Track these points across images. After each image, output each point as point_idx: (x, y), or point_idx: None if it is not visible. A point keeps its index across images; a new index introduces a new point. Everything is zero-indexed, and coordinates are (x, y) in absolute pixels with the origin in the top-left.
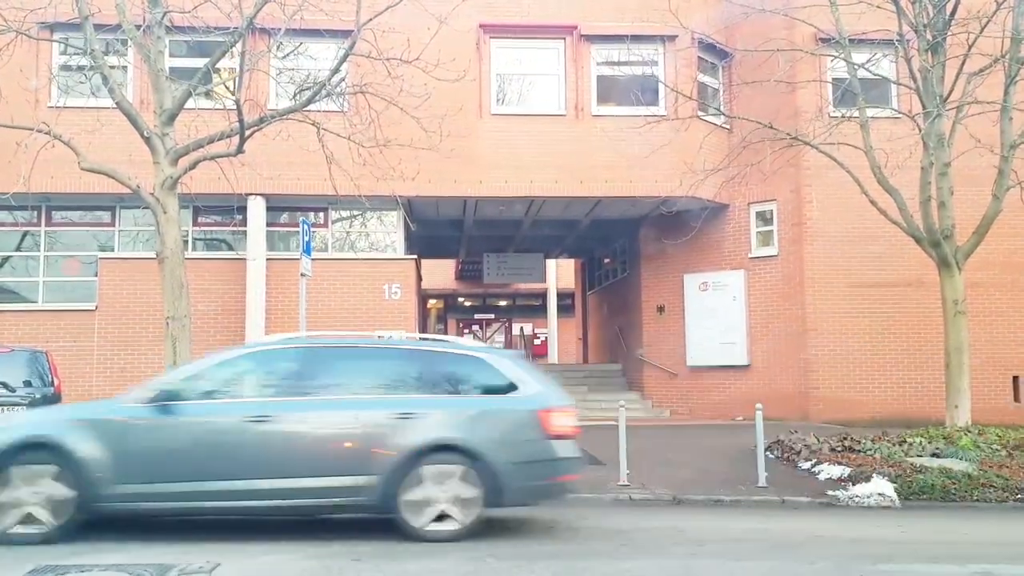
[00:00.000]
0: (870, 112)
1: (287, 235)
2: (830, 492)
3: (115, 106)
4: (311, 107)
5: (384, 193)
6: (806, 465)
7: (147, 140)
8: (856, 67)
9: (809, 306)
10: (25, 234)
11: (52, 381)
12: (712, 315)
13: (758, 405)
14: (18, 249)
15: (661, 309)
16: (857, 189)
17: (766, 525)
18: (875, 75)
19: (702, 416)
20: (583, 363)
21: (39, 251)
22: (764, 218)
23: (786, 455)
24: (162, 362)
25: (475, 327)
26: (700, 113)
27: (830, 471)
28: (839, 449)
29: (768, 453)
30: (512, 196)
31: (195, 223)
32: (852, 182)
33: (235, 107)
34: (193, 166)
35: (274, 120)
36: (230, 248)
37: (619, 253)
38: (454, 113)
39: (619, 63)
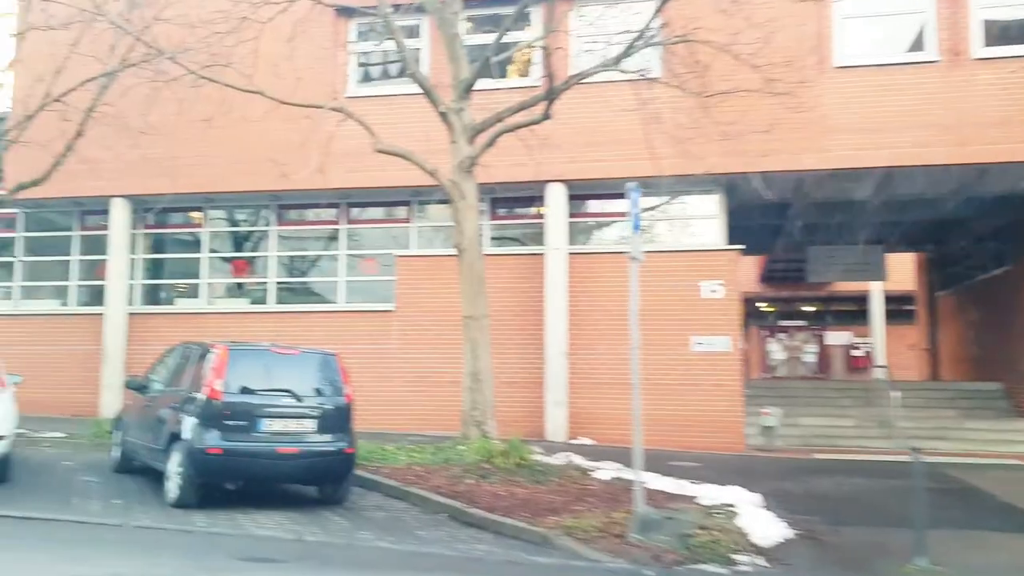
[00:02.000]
0: None
1: (590, 227)
2: None
3: (409, 92)
4: (619, 78)
5: (703, 171)
6: None
7: (443, 116)
8: None
9: None
10: (327, 233)
11: (343, 389)
12: None
13: None
14: (320, 248)
15: None
16: None
17: None
18: None
19: None
20: (937, 380)
21: (339, 250)
22: None
23: None
24: (461, 365)
25: (781, 335)
26: None
27: None
28: None
29: None
30: (864, 167)
31: (492, 216)
32: None
33: (528, 87)
34: (491, 142)
35: (586, 77)
36: (526, 243)
37: (993, 242)
38: (790, 69)
39: None
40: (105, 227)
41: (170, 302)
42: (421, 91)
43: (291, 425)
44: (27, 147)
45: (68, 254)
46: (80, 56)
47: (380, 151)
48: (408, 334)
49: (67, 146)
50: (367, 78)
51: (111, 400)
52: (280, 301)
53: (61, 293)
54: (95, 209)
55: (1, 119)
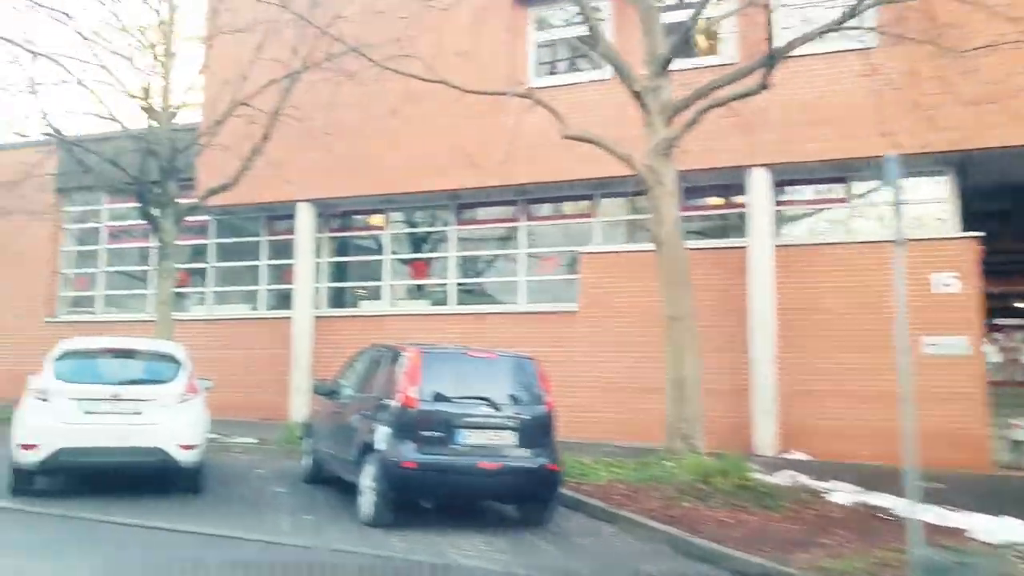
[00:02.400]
0: None
1: (798, 216)
2: None
3: (589, 80)
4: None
5: (946, 147)
6: None
7: (637, 96)
8: None
9: None
10: (505, 232)
11: (543, 397)
12: None
13: None
14: (499, 247)
15: None
16: None
17: None
18: None
19: None
20: None
21: (518, 249)
22: None
23: None
24: (654, 370)
25: (996, 335)
26: None
27: None
28: None
29: None
30: None
31: (683, 207)
32: None
33: (721, 65)
34: (694, 121)
35: (810, 39)
36: (714, 236)
37: None
38: None
39: None
40: (291, 232)
41: (353, 305)
42: (602, 79)
43: (490, 437)
44: (217, 153)
45: (257, 259)
46: (264, 60)
47: (568, 137)
48: (593, 336)
49: (253, 149)
50: (546, 68)
51: (299, 404)
52: (460, 302)
53: (251, 298)
54: (281, 214)
55: (192, 128)
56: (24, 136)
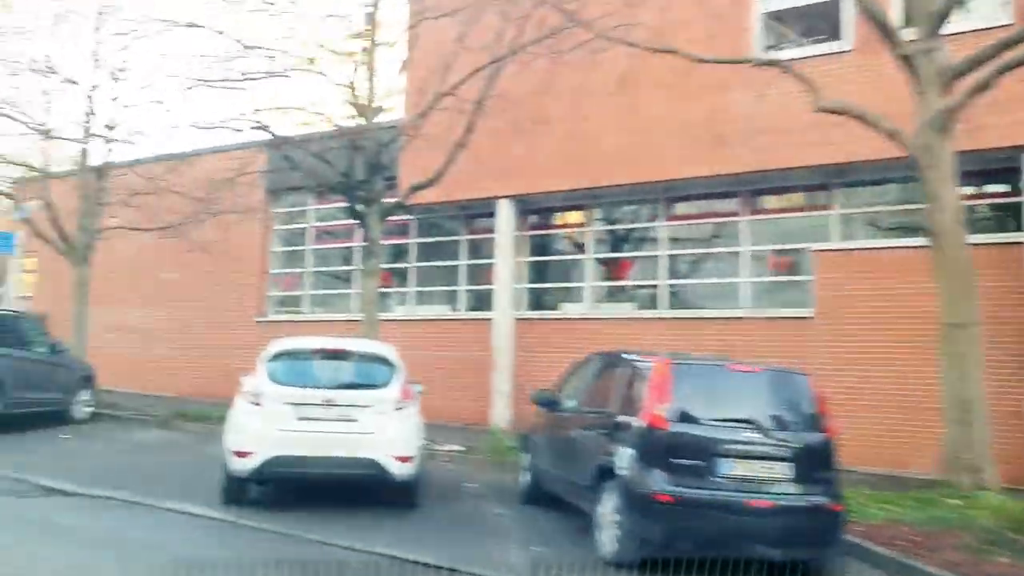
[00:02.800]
0: None
1: None
2: None
3: (827, 53)
4: None
5: None
6: None
7: (905, 61)
8: None
9: None
10: (723, 227)
11: (821, 421)
12: None
13: None
14: (716, 244)
15: None
16: None
17: None
18: None
19: None
20: None
21: (740, 246)
22: None
23: None
24: (910, 386)
25: None
26: None
27: None
28: None
29: None
30: None
31: None
32: None
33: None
34: (985, 86)
35: None
36: (993, 229)
37: None
38: None
39: None
40: (490, 230)
41: (553, 306)
42: (841, 51)
43: (759, 469)
44: (419, 151)
45: (456, 259)
46: (467, 50)
47: (823, 109)
48: (833, 346)
49: (457, 143)
50: (775, 42)
51: (502, 410)
52: (670, 306)
53: (450, 298)
54: (481, 212)
55: (393, 126)
56: (238, 130)
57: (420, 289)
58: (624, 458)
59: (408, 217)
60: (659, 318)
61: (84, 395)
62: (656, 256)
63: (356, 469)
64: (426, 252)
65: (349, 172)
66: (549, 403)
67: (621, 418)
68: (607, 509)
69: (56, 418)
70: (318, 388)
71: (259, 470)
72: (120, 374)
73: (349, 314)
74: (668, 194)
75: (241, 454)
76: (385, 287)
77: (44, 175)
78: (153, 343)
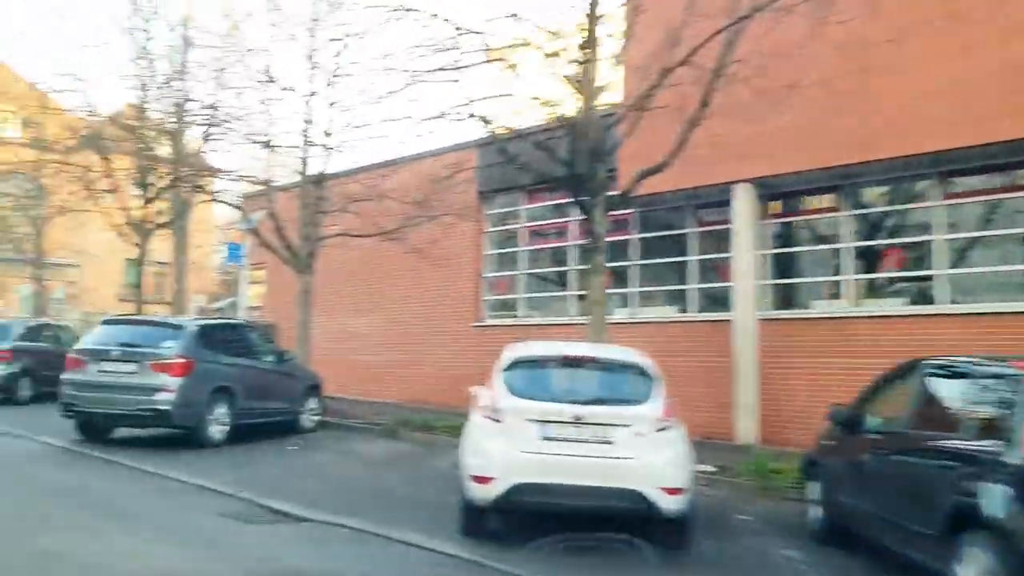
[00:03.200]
0: None
1: None
2: None
3: None
4: None
5: None
6: None
7: None
8: None
9: None
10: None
11: None
12: None
13: None
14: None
15: None
16: None
17: None
18: None
19: None
20: None
21: None
22: None
23: None
24: None
25: None
26: None
27: None
28: None
29: None
30: None
31: None
32: None
33: None
34: None
35: None
36: None
37: None
38: None
39: None
40: (723, 221)
41: (803, 305)
42: None
43: None
44: (642, 138)
45: (684, 254)
46: (697, 19)
47: None
48: None
49: (691, 120)
50: None
51: (747, 423)
52: (951, 299)
53: (678, 298)
54: (711, 201)
55: (611, 113)
56: (458, 119)
57: (643, 289)
58: (997, 499)
59: (627, 211)
60: (939, 314)
61: (311, 404)
62: (930, 242)
63: (616, 502)
64: (649, 248)
65: (572, 162)
66: (851, 423)
67: (985, 449)
68: (974, 570)
69: (285, 428)
70: (565, 403)
71: (501, 500)
72: (339, 381)
73: (568, 317)
74: (941, 167)
75: (481, 480)
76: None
77: (268, 188)
78: (370, 349)
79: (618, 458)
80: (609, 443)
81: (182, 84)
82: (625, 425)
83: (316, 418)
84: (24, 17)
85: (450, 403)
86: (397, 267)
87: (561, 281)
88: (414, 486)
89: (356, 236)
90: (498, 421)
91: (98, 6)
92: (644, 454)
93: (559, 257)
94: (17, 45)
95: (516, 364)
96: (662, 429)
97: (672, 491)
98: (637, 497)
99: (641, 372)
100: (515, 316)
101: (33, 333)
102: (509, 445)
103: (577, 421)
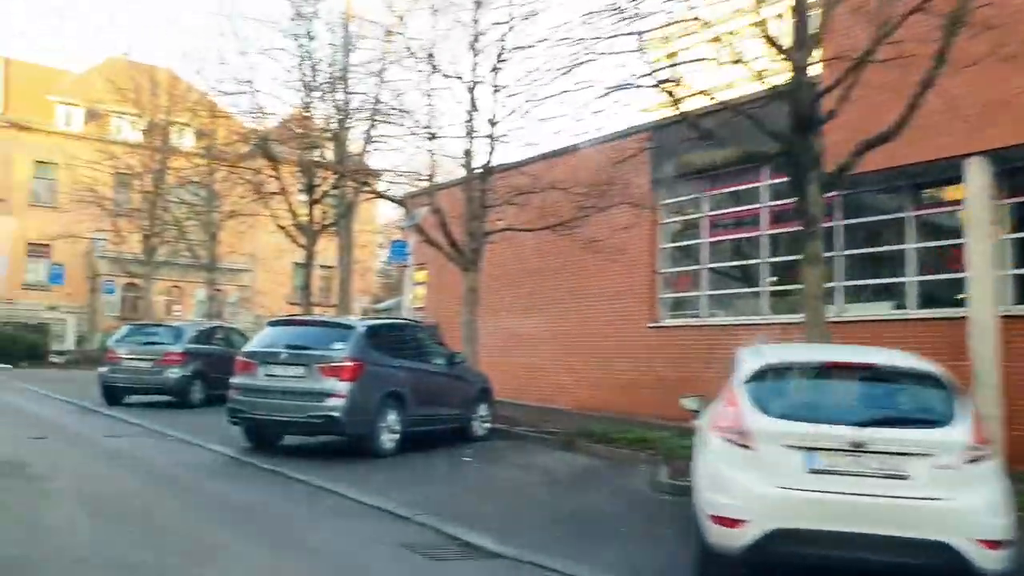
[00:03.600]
0: None
1: None
2: None
3: None
4: None
5: None
6: None
7: None
8: None
9: None
10: None
11: None
12: None
13: None
14: None
15: None
16: None
17: None
18: None
19: None
20: None
21: None
22: None
23: None
24: None
25: None
26: None
27: None
28: None
29: None
30: None
31: None
32: None
33: None
34: None
35: None
36: None
37: None
38: None
39: None
40: (948, 203)
41: None
42: None
43: None
44: (849, 112)
45: (900, 242)
46: None
47: None
48: None
49: (923, 81)
50: None
51: (996, 435)
52: None
53: (895, 292)
54: (931, 180)
55: (815, 82)
56: (641, 86)
57: (850, 283)
58: None
59: (832, 193)
60: None
61: (482, 410)
62: None
63: (915, 557)
64: (855, 236)
65: (786, 133)
66: None
67: None
68: None
69: (456, 436)
70: (838, 424)
71: (753, 549)
72: (505, 385)
73: (760, 317)
74: None
75: (726, 522)
76: (794, 282)
77: (432, 184)
78: (532, 350)
79: (917, 499)
80: (903, 478)
81: (344, 84)
82: (925, 454)
83: (487, 425)
84: (194, 27)
85: (622, 410)
86: (562, 264)
87: (745, 277)
88: (614, 511)
89: (522, 230)
90: (747, 447)
91: (262, 12)
92: (954, 494)
93: (746, 251)
94: (188, 55)
95: (765, 372)
96: (975, 460)
97: (992, 544)
98: (945, 550)
99: (937, 383)
100: (697, 315)
101: (205, 336)
102: (764, 479)
103: (857, 449)
